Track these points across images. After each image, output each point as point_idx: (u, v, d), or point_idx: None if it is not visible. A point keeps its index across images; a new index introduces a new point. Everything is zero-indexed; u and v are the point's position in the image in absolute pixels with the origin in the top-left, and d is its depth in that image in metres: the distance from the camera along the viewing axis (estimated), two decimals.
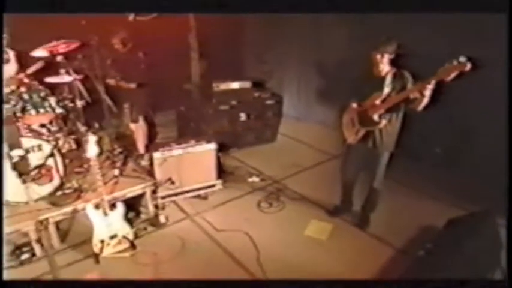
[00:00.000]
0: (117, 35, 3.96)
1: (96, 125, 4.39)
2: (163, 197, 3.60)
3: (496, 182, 2.81)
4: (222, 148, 4.05)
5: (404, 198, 3.73)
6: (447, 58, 2.36)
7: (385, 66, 2.82)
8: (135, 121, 4.35)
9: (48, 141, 3.04)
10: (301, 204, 3.76)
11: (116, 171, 3.39)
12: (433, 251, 2.75)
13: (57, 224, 3.08)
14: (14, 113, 3.03)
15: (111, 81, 4.13)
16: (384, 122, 2.86)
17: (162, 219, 3.40)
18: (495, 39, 2.84)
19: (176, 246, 3.09)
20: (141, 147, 4.39)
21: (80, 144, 3.80)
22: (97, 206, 2.86)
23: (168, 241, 3.16)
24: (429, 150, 4.06)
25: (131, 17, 5.56)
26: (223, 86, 5.04)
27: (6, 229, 2.82)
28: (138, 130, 4.38)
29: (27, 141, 2.94)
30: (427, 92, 2.53)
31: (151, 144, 4.42)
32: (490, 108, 3.35)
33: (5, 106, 2.99)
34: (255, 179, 4.28)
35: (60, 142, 3.41)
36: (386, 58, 2.77)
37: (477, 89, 3.31)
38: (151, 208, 3.49)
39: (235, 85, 5.15)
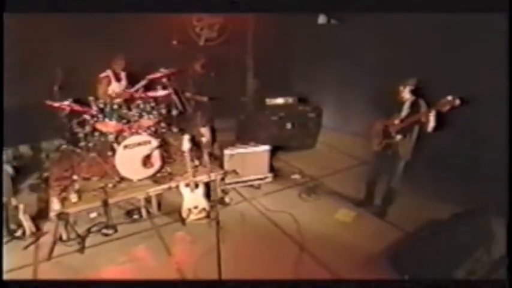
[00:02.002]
0: (199, 61, 5.21)
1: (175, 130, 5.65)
2: (228, 184, 4.76)
3: (498, 187, 3.14)
4: (271, 151, 5.06)
5: (418, 197, 4.51)
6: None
7: (405, 95, 3.72)
8: (204, 126, 5.56)
9: (155, 137, 4.31)
10: (333, 197, 4.71)
11: (197, 162, 4.59)
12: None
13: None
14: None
15: (188, 95, 5.38)
16: (398, 137, 3.78)
17: (227, 200, 4.56)
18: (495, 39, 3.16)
19: (238, 218, 4.22)
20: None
21: (167, 141, 5.08)
22: (187, 185, 4.05)
23: (232, 215, 4.29)
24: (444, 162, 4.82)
25: (201, 42, 6.92)
26: (273, 101, 6.17)
27: (123, 197, 4.10)
28: (206, 133, 5.58)
29: (141, 138, 4.22)
30: (431, 118, 3.42)
31: (214, 145, 5.64)
32: (491, 112, 3.92)
33: (129, 112, 4.32)
34: (297, 176, 5.29)
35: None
36: (408, 89, 3.68)
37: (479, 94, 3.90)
38: (218, 191, 4.64)
39: (283, 100, 6.25)
